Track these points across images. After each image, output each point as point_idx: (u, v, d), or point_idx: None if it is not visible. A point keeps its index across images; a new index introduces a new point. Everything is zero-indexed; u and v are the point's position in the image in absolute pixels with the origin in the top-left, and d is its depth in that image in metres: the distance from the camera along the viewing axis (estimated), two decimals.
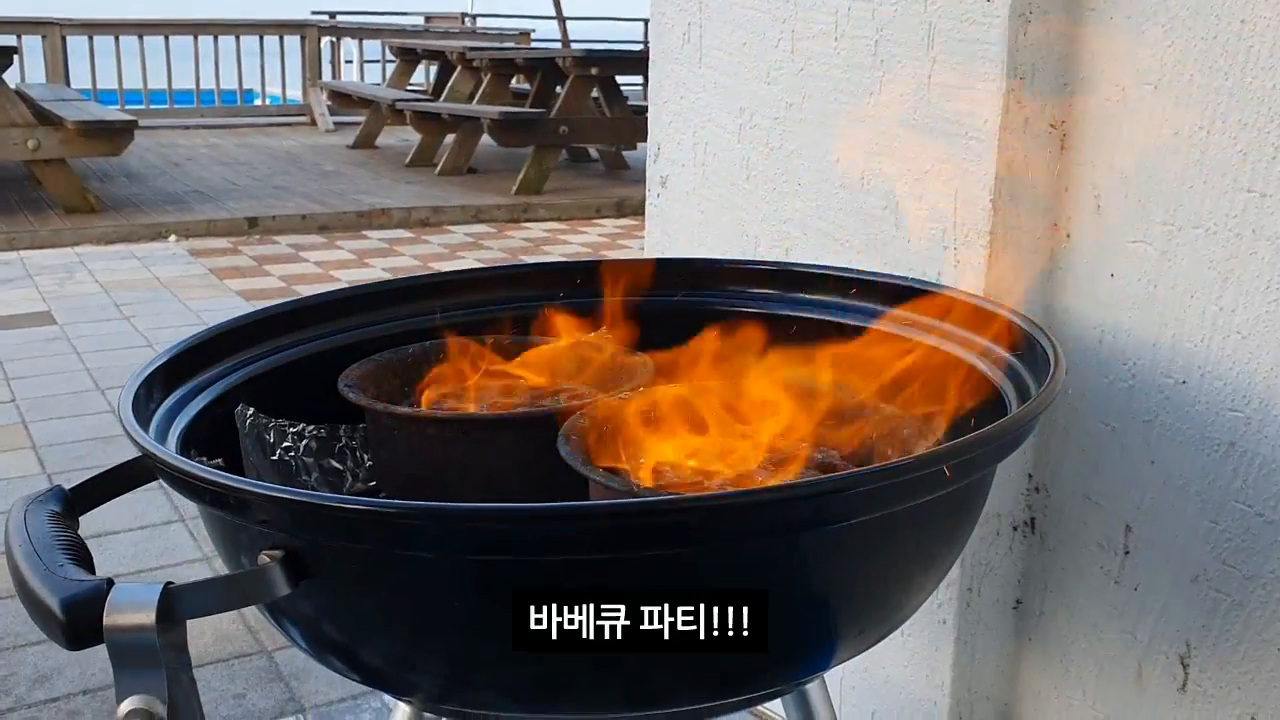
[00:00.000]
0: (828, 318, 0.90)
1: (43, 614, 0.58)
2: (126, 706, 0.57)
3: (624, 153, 7.91)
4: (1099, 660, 0.98)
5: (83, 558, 0.63)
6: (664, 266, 1.01)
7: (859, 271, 0.91)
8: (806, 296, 0.92)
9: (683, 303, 0.98)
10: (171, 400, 0.77)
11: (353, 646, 0.64)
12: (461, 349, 0.96)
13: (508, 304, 0.98)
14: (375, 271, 5.17)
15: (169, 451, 0.63)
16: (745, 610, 0.61)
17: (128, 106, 8.96)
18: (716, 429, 0.76)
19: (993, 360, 0.80)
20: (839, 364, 0.79)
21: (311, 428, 0.90)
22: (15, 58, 6.28)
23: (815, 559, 0.62)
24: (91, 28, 9.49)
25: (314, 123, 9.88)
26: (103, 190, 6.43)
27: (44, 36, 9.14)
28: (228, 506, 0.59)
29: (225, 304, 4.58)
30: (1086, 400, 0.95)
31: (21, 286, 4.81)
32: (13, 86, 6.04)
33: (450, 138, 7.50)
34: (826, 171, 1.09)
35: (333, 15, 11.51)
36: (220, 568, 2.16)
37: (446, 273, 1.02)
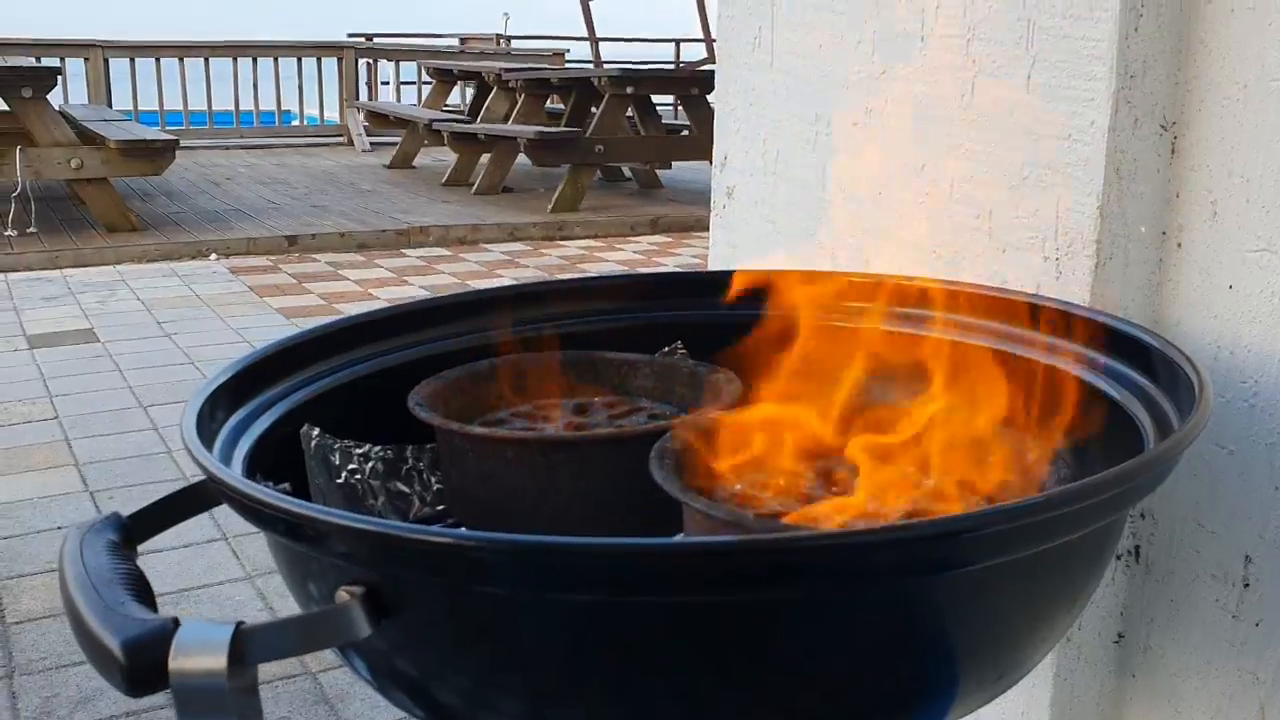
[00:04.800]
0: (937, 333, 0.84)
1: (101, 655, 0.53)
2: None
3: (658, 171, 7.88)
4: (1214, 701, 0.91)
5: (144, 593, 0.58)
6: (735, 279, 0.95)
7: (966, 285, 0.86)
8: (907, 310, 0.86)
9: (757, 315, 0.92)
10: (234, 421, 0.72)
11: (427, 685, 0.59)
12: (533, 366, 0.91)
13: (588, 317, 0.93)
14: (414, 289, 5.15)
15: (238, 477, 0.58)
16: (867, 658, 0.55)
17: (168, 127, 9.02)
18: (822, 452, 0.70)
19: (1118, 381, 0.74)
20: (951, 384, 0.74)
21: (377, 449, 0.85)
22: (59, 78, 6.32)
23: (945, 602, 0.56)
24: (133, 50, 9.59)
25: (351, 143, 9.92)
26: (144, 209, 6.47)
27: (86, 59, 9.24)
28: (304, 538, 0.54)
29: (266, 321, 4.57)
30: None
31: (65, 304, 4.82)
32: (56, 107, 6.09)
33: (486, 157, 7.50)
34: (910, 180, 1.03)
35: (369, 38, 11.57)
36: (266, 587, 2.12)
37: (514, 285, 0.97)
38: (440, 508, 0.88)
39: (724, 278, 0.93)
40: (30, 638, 2.27)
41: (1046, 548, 0.57)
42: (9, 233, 5.70)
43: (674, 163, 7.75)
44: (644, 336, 0.96)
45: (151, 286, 5.14)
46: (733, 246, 1.27)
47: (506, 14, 13.67)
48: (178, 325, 4.52)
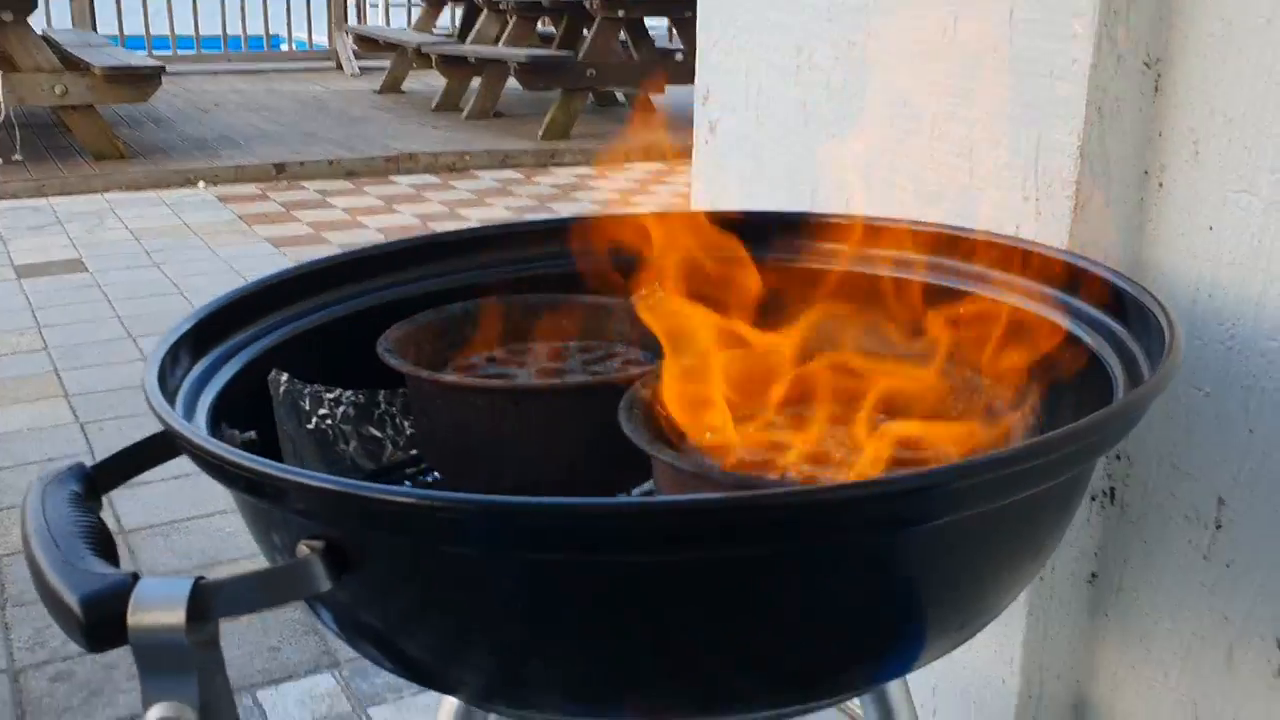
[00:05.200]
0: (904, 275, 0.83)
1: (60, 611, 0.53)
2: (155, 714, 0.52)
3: (652, 96, 7.78)
4: (1185, 641, 0.92)
5: (105, 546, 0.57)
6: (719, 220, 0.94)
7: (941, 226, 0.84)
8: (880, 252, 0.85)
9: (740, 258, 0.91)
10: (200, 367, 0.71)
11: (394, 640, 0.59)
12: (506, 309, 0.90)
13: (558, 259, 0.91)
14: (404, 218, 5.11)
15: (198, 431, 0.57)
16: (834, 611, 0.55)
17: (155, 52, 8.88)
18: (792, 399, 0.69)
19: (1089, 324, 0.73)
20: (917, 325, 0.73)
21: (349, 393, 0.85)
22: (40, 2, 6.20)
23: (914, 555, 0.56)
24: None
25: (340, 67, 9.77)
26: (131, 137, 6.39)
27: None
28: (262, 494, 0.54)
29: (255, 251, 4.54)
30: None
31: (52, 233, 4.78)
32: (39, 31, 5.98)
33: (476, 81, 7.39)
34: (893, 115, 1.01)
35: None
36: None
37: (487, 227, 0.95)
38: (414, 452, 0.87)
39: (698, 218, 0.92)
40: (22, 569, 2.28)
41: (1013, 500, 0.57)
42: None
43: (668, 88, 7.65)
44: (623, 277, 0.95)
45: (140, 215, 5.09)
46: (716, 182, 1.25)
47: None
48: (166, 254, 4.48)
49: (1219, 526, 0.88)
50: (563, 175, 6.19)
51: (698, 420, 0.68)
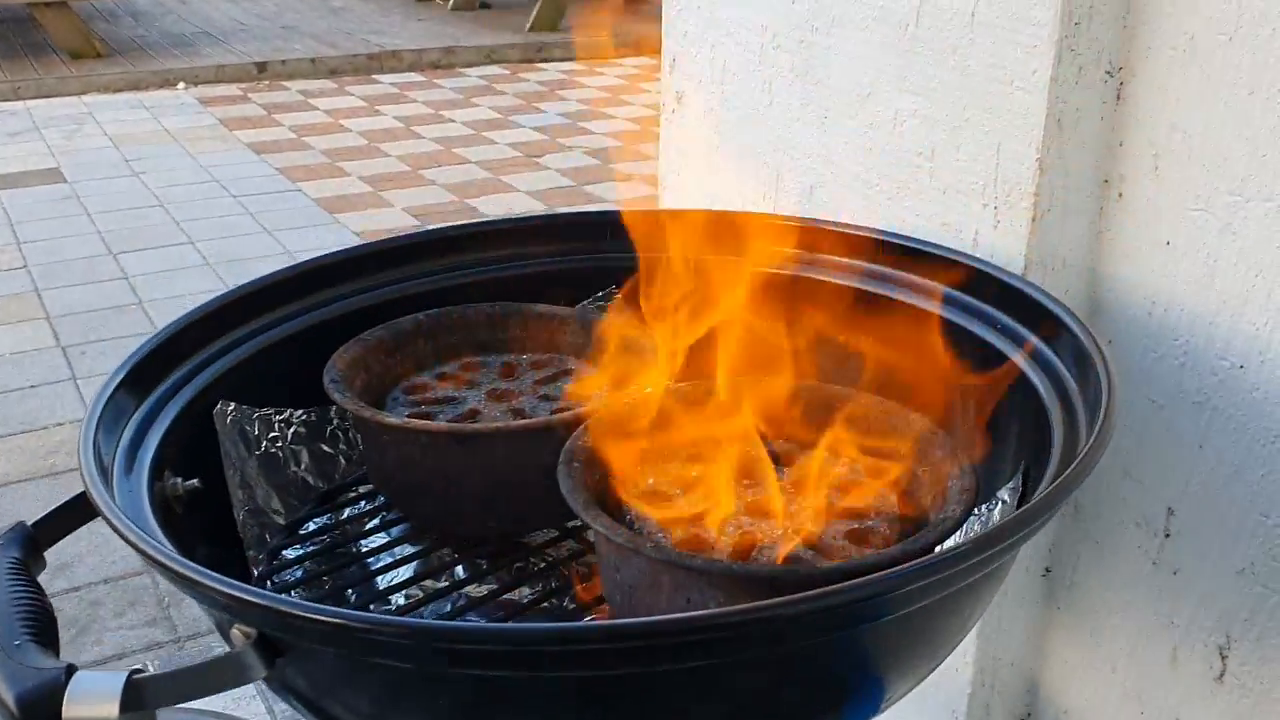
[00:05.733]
0: (853, 284, 0.82)
1: None
2: None
3: None
4: (1131, 639, 0.94)
5: (44, 626, 0.58)
6: (681, 219, 0.92)
7: (894, 235, 0.83)
8: (832, 258, 0.84)
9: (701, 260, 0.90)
10: (143, 411, 0.71)
11: (332, 714, 0.60)
12: (458, 320, 0.89)
13: (514, 263, 0.91)
14: (387, 119, 5.03)
15: (131, 526, 0.57)
16: (779, 705, 0.56)
17: None
18: (732, 450, 0.69)
19: (1035, 358, 0.73)
20: (862, 344, 0.73)
21: (299, 413, 0.85)
22: None
23: (866, 642, 0.57)
24: None
25: None
26: (108, 32, 6.24)
27: None
28: (194, 592, 0.54)
29: (236, 158, 4.48)
30: (1132, 373, 0.88)
31: (29, 140, 4.70)
32: None
33: None
34: (856, 106, 0.99)
35: None
36: None
37: (436, 229, 0.94)
38: (364, 468, 0.88)
39: (646, 218, 0.90)
40: (7, 501, 2.31)
41: (954, 590, 0.58)
42: None
43: None
44: (576, 280, 0.95)
45: (119, 119, 5.01)
46: (683, 154, 1.23)
47: None
48: (146, 163, 4.42)
49: (1168, 535, 0.89)
50: (550, 71, 6.08)
51: (634, 474, 0.68)
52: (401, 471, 0.77)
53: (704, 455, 0.71)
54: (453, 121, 5.06)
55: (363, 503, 0.85)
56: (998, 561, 0.59)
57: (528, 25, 6.53)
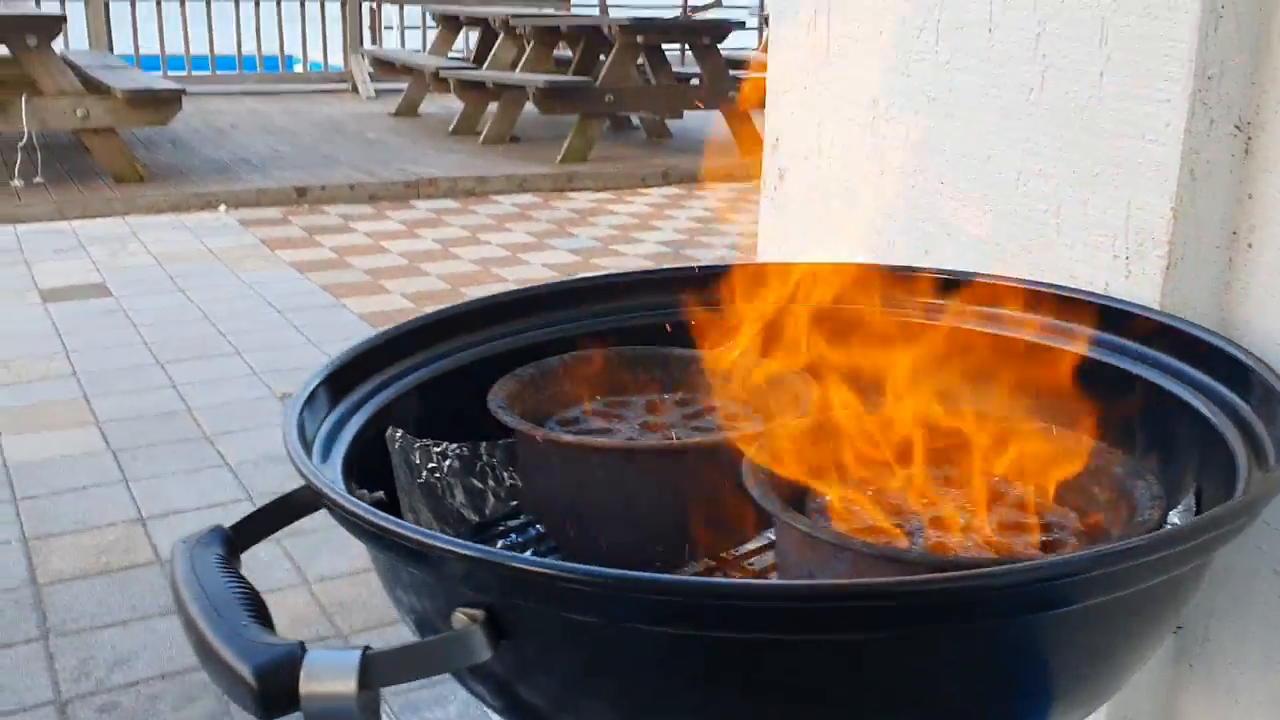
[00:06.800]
0: (1017, 335, 0.84)
1: (230, 679, 0.54)
2: None
3: (667, 121, 7.82)
4: (1272, 693, 0.93)
5: (262, 612, 0.59)
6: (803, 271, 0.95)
7: (1051, 286, 0.86)
8: (985, 309, 0.86)
9: (840, 310, 0.92)
10: (330, 422, 0.73)
11: (546, 708, 0.60)
12: (602, 362, 0.92)
13: (658, 309, 0.93)
14: (426, 243, 5.14)
15: (360, 503, 0.58)
16: (960, 695, 0.56)
17: (170, 72, 8.93)
18: (915, 461, 0.71)
19: (1208, 395, 0.75)
20: (1033, 390, 0.74)
21: (454, 446, 0.86)
22: (64, 26, 6.25)
23: (1043, 640, 0.57)
24: None
25: (355, 90, 9.83)
26: (150, 159, 6.42)
27: (87, 2, 9.12)
28: (425, 564, 0.55)
29: (279, 275, 4.57)
30: None
31: (75, 257, 4.80)
32: (58, 53, 6.02)
33: (493, 105, 7.43)
34: (975, 170, 1.03)
35: None
36: (291, 547, 2.10)
37: (585, 278, 0.97)
38: (514, 503, 0.89)
39: (792, 271, 0.93)
40: (63, 598, 2.29)
41: (1150, 584, 0.58)
42: (16, 183, 5.67)
43: (686, 111, 7.70)
44: (717, 329, 0.97)
45: (161, 239, 5.12)
46: (784, 230, 1.27)
47: None
48: (190, 279, 4.51)
49: None
50: (581, 200, 6.22)
51: (820, 483, 0.69)
52: (564, 493, 0.78)
53: (884, 472, 0.72)
54: (489, 244, 5.16)
55: (514, 535, 0.86)
56: (1208, 553, 0.59)
57: (559, 157, 6.70)
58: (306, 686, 0.53)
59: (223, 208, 5.64)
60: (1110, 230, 0.92)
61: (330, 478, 0.65)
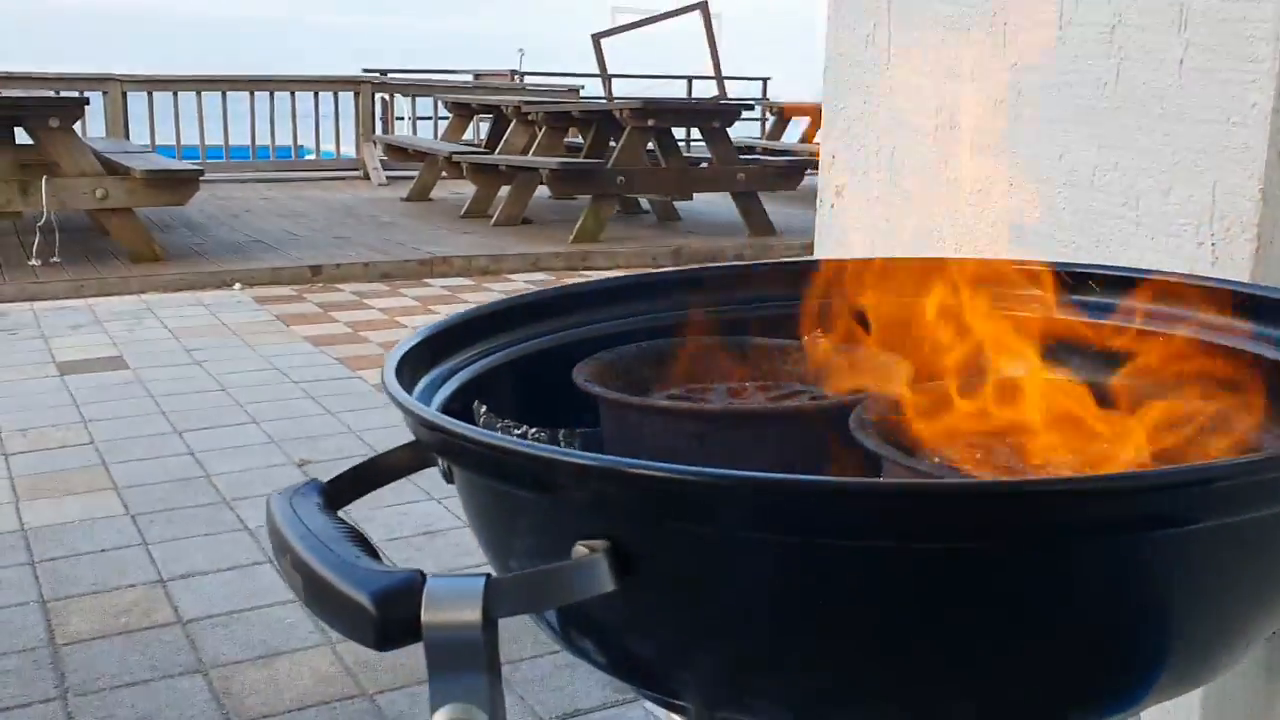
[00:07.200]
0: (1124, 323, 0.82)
1: (349, 611, 0.51)
2: (444, 716, 0.50)
3: (675, 204, 7.90)
4: None
5: (370, 549, 0.56)
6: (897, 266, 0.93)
7: (1143, 271, 0.84)
8: (1084, 299, 0.84)
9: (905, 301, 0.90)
10: (420, 386, 0.71)
11: (665, 660, 0.57)
12: (681, 350, 0.90)
13: (752, 303, 0.92)
14: (441, 318, 5.14)
15: (476, 428, 0.56)
16: (1072, 623, 0.54)
17: (185, 160, 9.06)
18: (1027, 425, 0.68)
19: None
20: (1142, 371, 0.72)
21: (534, 430, 0.84)
22: (85, 109, 6.35)
23: (1166, 565, 0.54)
24: (151, 84, 9.65)
25: (367, 177, 9.96)
26: (165, 240, 6.47)
27: (105, 92, 9.29)
28: (551, 486, 0.53)
29: (295, 349, 4.56)
30: None
31: (92, 332, 4.81)
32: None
33: (504, 190, 7.52)
34: (1047, 169, 1.02)
35: (384, 73, 11.64)
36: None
37: (671, 270, 0.96)
38: None
39: (872, 265, 0.92)
40: (81, 658, 2.24)
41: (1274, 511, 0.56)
42: (34, 262, 5.70)
43: (695, 194, 7.78)
44: (792, 323, 0.95)
45: (178, 315, 5.13)
46: (843, 245, 1.26)
47: (521, 50, 13.78)
48: (206, 353, 4.50)
49: None
50: (595, 278, 6.25)
51: (928, 441, 0.67)
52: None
53: (988, 436, 0.70)
54: None
55: None
56: None
57: (571, 237, 6.76)
58: (429, 615, 0.50)
59: (238, 285, 5.66)
60: (1193, 218, 0.91)
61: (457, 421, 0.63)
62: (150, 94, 9.59)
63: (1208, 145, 0.90)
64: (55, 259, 5.78)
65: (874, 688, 0.56)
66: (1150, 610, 0.58)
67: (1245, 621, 0.63)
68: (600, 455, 0.51)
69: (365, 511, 2.87)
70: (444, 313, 5.24)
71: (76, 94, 8.32)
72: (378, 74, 11.44)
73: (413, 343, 0.74)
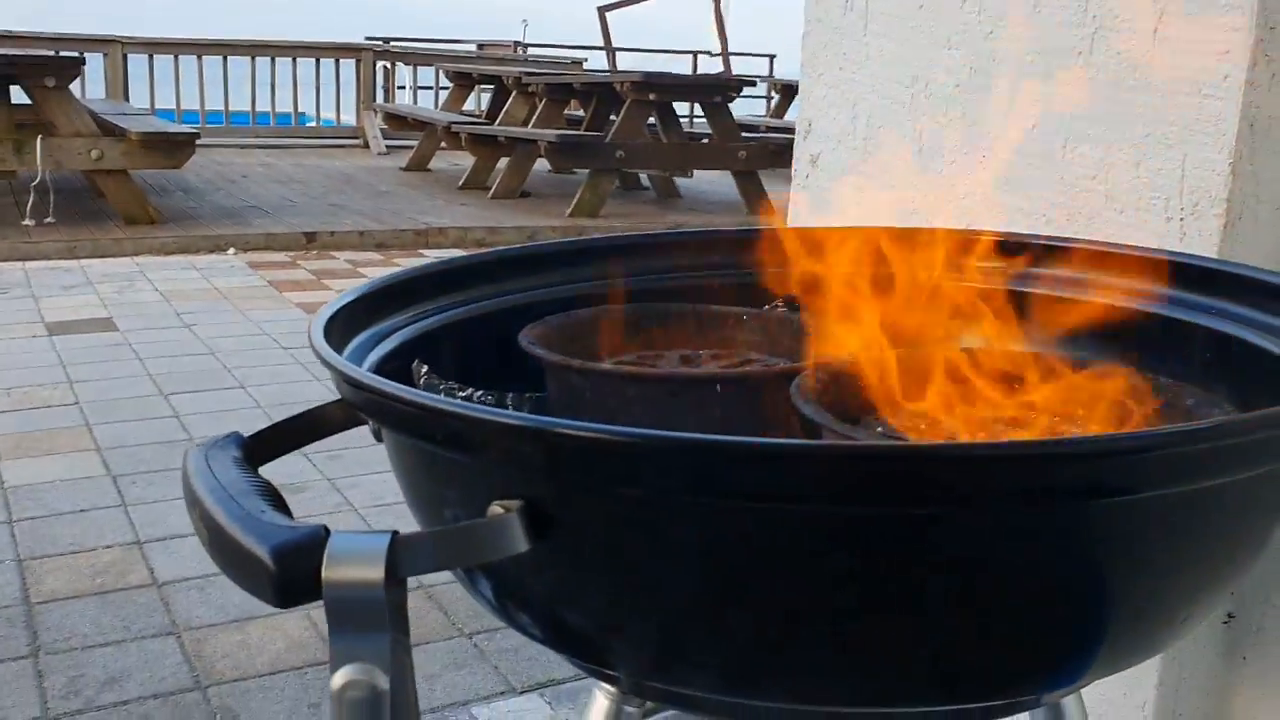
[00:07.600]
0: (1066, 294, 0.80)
1: (246, 566, 0.50)
2: (344, 677, 0.49)
3: (676, 180, 7.85)
4: None
5: (281, 504, 0.54)
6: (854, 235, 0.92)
7: (1105, 244, 0.82)
8: (1040, 271, 0.82)
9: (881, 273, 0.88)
10: (353, 344, 0.69)
11: (568, 607, 0.55)
12: (634, 315, 0.88)
13: (695, 271, 0.90)
14: (380, 277, 5.11)
15: (396, 384, 0.54)
16: (1008, 592, 0.52)
17: (185, 125, 9.02)
18: (964, 392, 0.66)
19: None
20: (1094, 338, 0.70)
21: (479, 392, 0.82)
22: (82, 69, 6.30)
23: (1104, 535, 0.53)
24: (152, 46, 9.59)
25: (367, 145, 9.91)
26: (161, 204, 6.44)
27: (105, 54, 9.23)
28: (468, 444, 0.51)
29: (285, 315, 4.54)
30: None
31: (83, 294, 4.79)
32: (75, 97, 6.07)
33: (503, 162, 7.47)
34: (1019, 141, 1.00)
35: (386, 41, 11.57)
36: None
37: (630, 235, 0.94)
38: None
39: (820, 234, 0.90)
40: (54, 617, 2.23)
41: (1218, 482, 0.54)
42: (27, 222, 5.67)
43: (694, 172, 7.74)
44: (747, 292, 0.93)
45: (170, 279, 5.11)
46: (817, 214, 1.23)
47: (525, 21, 13.70)
48: (196, 317, 4.48)
49: None
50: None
51: (871, 409, 0.65)
52: None
53: (932, 406, 0.68)
54: None
55: None
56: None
57: (569, 211, 6.72)
58: (329, 571, 0.48)
59: (231, 250, 5.64)
60: (1163, 192, 0.89)
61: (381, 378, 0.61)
62: (151, 57, 9.53)
63: (1179, 117, 0.88)
64: (49, 219, 5.75)
65: (803, 658, 0.55)
66: (1087, 581, 0.56)
67: (1186, 596, 0.62)
68: (515, 413, 0.49)
69: (351, 478, 2.86)
70: None
71: (76, 54, 8.27)
72: (380, 42, 11.37)
73: (346, 300, 0.72)
